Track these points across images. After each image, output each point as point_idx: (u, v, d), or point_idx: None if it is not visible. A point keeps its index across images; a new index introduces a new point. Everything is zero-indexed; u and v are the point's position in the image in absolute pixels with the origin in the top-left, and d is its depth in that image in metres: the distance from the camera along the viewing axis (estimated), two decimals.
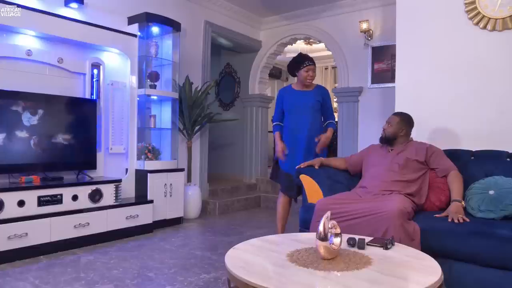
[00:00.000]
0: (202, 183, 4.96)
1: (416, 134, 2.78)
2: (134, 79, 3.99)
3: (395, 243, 1.84)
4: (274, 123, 3.37)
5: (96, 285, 2.40)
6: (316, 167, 2.84)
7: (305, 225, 2.60)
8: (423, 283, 1.37)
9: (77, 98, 3.60)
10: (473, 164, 2.66)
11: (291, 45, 6.30)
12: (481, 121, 2.94)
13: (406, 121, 2.68)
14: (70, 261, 2.86)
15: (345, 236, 1.76)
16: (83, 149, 3.57)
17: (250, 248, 1.80)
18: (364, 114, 5.00)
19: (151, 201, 3.81)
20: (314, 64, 3.23)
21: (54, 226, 3.04)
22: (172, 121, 4.35)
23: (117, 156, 3.98)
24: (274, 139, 3.35)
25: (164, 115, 4.40)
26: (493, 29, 2.91)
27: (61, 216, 3.10)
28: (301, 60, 3.22)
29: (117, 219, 3.46)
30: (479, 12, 2.96)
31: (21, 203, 2.92)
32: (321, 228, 1.56)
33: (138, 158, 3.99)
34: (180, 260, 2.92)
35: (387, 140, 2.70)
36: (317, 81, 9.39)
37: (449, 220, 2.19)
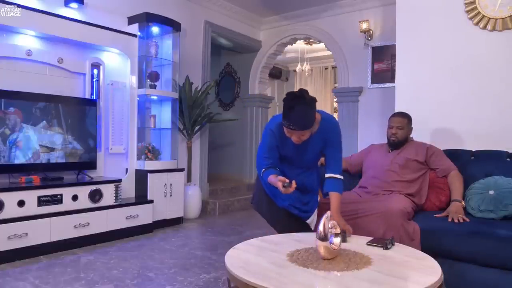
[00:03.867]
0: (202, 183, 4.96)
1: (416, 134, 2.77)
2: (134, 79, 3.99)
3: (395, 243, 1.84)
4: None
5: (96, 285, 2.40)
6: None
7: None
8: (423, 283, 1.37)
9: (77, 98, 3.60)
10: (473, 164, 2.66)
11: (291, 45, 6.31)
12: (481, 121, 2.94)
13: (411, 120, 2.66)
14: (70, 261, 2.86)
15: None
16: (83, 149, 3.57)
17: (250, 248, 1.79)
18: (364, 114, 5.00)
19: (151, 201, 3.81)
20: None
21: (54, 226, 3.04)
22: (172, 121, 4.35)
23: (117, 156, 3.98)
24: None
25: (164, 115, 4.40)
26: (493, 29, 2.91)
27: (61, 216, 3.10)
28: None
29: (117, 219, 3.46)
30: (479, 12, 2.96)
31: (21, 203, 2.92)
32: (321, 228, 1.56)
33: (138, 158, 3.99)
34: (180, 260, 2.92)
35: (400, 144, 2.63)
36: (317, 81, 9.42)
37: (449, 220, 2.19)
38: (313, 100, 2.04)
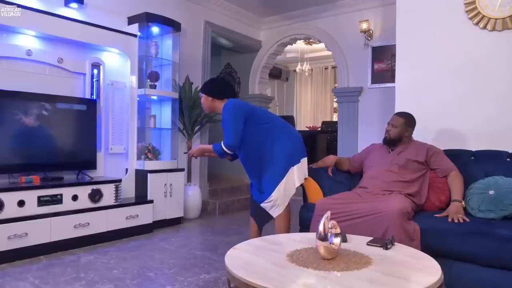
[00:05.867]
0: (202, 183, 4.96)
1: (416, 134, 2.77)
2: (134, 79, 3.98)
3: (395, 243, 1.84)
4: None
5: (96, 285, 2.40)
6: (330, 170, 2.84)
7: (305, 225, 2.60)
8: (423, 283, 1.37)
9: (77, 98, 3.60)
10: (473, 164, 2.66)
11: (291, 45, 6.31)
12: (481, 121, 2.94)
13: (410, 121, 2.66)
14: (70, 261, 2.86)
15: None
16: (83, 149, 3.57)
17: (250, 248, 1.80)
18: (364, 114, 5.00)
19: (151, 201, 3.81)
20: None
21: (54, 226, 3.04)
22: (172, 121, 4.35)
23: (117, 156, 3.98)
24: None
25: (164, 115, 4.40)
26: (493, 29, 2.91)
27: (61, 216, 3.10)
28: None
29: (117, 219, 3.46)
30: (479, 12, 2.96)
31: (21, 203, 2.92)
32: (321, 228, 1.56)
33: (138, 158, 3.99)
34: (180, 260, 2.92)
35: (391, 142, 2.66)
36: (317, 81, 9.43)
37: (449, 220, 2.19)
38: (209, 87, 2.68)
